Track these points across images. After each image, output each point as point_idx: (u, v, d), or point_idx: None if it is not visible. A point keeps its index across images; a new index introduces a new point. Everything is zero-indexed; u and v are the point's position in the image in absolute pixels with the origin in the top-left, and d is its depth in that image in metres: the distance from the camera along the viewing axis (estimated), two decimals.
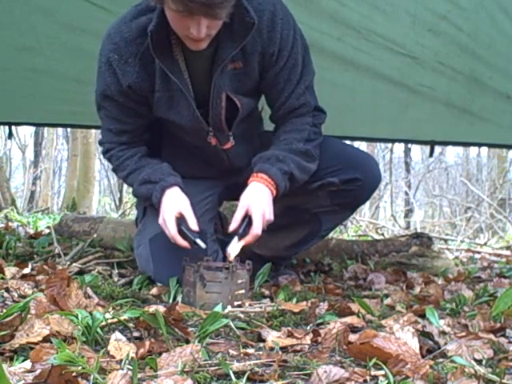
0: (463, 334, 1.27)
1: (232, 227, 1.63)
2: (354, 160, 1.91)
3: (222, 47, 1.66)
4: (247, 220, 1.63)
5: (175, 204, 1.70)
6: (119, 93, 1.72)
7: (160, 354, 1.01)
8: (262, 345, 1.17)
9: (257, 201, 1.65)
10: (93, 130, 9.71)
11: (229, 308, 1.50)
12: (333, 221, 2.03)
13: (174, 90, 1.70)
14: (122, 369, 0.94)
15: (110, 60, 1.69)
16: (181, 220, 1.69)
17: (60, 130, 14.44)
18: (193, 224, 1.67)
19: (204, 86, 1.71)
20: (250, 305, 1.57)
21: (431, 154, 3.66)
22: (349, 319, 1.35)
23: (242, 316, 1.43)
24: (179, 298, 1.60)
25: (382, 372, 0.96)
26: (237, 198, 1.72)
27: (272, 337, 1.19)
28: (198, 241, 1.63)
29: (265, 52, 1.72)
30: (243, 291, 1.59)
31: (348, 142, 2.92)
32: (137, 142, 1.85)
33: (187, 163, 1.92)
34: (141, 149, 1.85)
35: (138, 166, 1.81)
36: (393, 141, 4.85)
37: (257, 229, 1.62)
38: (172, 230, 1.66)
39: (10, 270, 1.72)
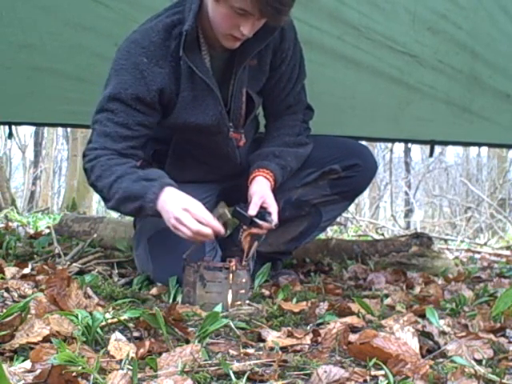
0: (463, 333, 1.26)
1: (253, 211, 1.67)
2: (352, 148, 2.02)
3: (245, 44, 1.70)
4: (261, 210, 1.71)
5: (181, 200, 1.55)
6: (135, 97, 1.66)
7: (160, 354, 1.01)
8: (262, 345, 1.16)
9: (271, 195, 1.74)
10: None
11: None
12: (332, 212, 2.07)
13: (198, 89, 1.72)
14: (122, 369, 0.94)
15: (138, 63, 1.65)
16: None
17: (60, 129, 14.45)
18: (205, 214, 1.53)
19: (221, 85, 1.76)
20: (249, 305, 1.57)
21: (431, 153, 3.67)
22: (349, 319, 1.35)
23: (241, 316, 1.43)
24: (179, 298, 1.59)
25: (382, 372, 0.96)
26: (231, 201, 1.76)
27: (272, 337, 1.19)
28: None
29: (277, 49, 1.82)
30: (243, 291, 1.59)
31: None
32: (129, 156, 1.70)
33: (190, 172, 1.93)
34: (132, 161, 1.69)
35: (130, 170, 1.64)
36: (393, 140, 4.85)
37: (276, 220, 1.69)
38: (206, 216, 1.51)
39: (9, 270, 1.72)
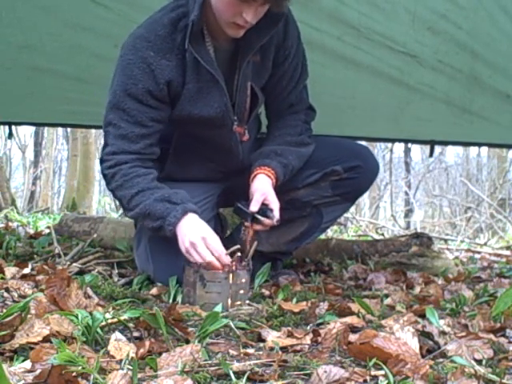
0: (463, 333, 1.27)
1: (255, 208, 1.69)
2: (353, 149, 2.02)
3: (249, 37, 1.71)
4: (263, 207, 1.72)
5: (201, 228, 1.61)
6: (146, 92, 1.67)
7: (160, 354, 1.01)
8: (262, 345, 1.16)
9: (272, 192, 1.75)
10: (93, 130, 9.73)
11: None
12: (333, 213, 2.07)
13: (204, 81, 1.72)
14: (122, 369, 0.94)
15: (146, 57, 1.66)
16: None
17: (60, 129, 14.45)
18: (219, 247, 1.59)
19: (226, 78, 1.76)
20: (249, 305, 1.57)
21: (431, 153, 3.66)
22: (349, 319, 1.35)
23: (241, 316, 1.43)
24: (179, 298, 1.59)
25: (382, 372, 0.96)
26: (232, 202, 1.76)
27: (272, 337, 1.19)
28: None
29: (280, 46, 1.82)
30: (243, 291, 1.59)
31: None
32: (148, 156, 1.74)
33: (192, 170, 1.93)
34: (153, 170, 1.74)
35: (152, 185, 1.69)
36: (393, 140, 4.85)
37: (277, 217, 1.70)
38: (219, 249, 1.58)
39: (9, 270, 1.72)
